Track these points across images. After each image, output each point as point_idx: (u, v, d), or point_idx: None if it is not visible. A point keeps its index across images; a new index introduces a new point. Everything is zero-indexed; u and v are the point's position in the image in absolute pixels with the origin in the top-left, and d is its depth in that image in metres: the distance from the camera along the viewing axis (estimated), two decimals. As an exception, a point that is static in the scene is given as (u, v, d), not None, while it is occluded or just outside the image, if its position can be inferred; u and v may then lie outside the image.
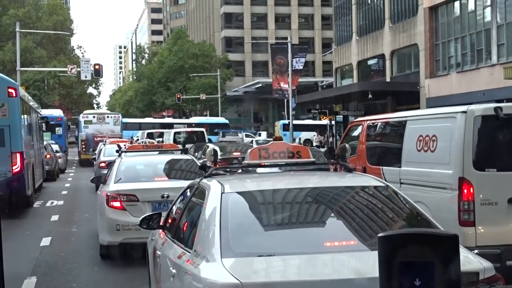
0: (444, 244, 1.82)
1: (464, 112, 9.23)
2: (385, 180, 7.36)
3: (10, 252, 11.56)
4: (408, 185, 10.38)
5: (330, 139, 50.69)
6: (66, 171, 40.05)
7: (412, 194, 8.62)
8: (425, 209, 7.73)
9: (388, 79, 48.12)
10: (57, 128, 46.14)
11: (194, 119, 69.47)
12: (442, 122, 9.87)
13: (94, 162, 29.12)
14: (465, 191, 8.97)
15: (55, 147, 37.64)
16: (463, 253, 4.55)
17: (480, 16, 37.39)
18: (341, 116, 50.14)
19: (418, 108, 36.75)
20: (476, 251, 7.43)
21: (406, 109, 26.94)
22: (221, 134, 55.85)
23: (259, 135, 61.81)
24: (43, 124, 31.34)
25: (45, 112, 41.76)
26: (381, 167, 11.77)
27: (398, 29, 46.40)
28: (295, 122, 63.61)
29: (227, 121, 69.40)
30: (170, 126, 58.76)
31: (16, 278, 10.31)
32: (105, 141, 31.98)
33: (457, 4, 39.16)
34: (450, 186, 9.24)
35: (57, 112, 50.83)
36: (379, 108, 45.30)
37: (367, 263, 4.44)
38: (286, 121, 63.84)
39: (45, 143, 32.78)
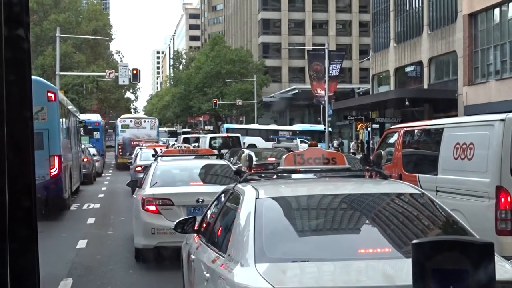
0: (479, 252, 1.80)
1: (502, 120, 9.12)
2: (421, 188, 7.30)
3: (47, 253, 11.71)
4: (445, 193, 10.28)
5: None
6: (103, 174, 40.45)
7: (448, 202, 8.54)
8: (461, 217, 7.65)
9: (425, 87, 47.70)
10: (94, 133, 47.56)
11: (297, 127, 69.59)
12: (479, 130, 9.76)
13: (131, 166, 29.36)
14: (503, 199, 8.86)
15: (93, 151, 38.14)
16: (499, 262, 4.49)
17: (520, 24, 36.91)
18: (378, 123, 49.86)
19: (456, 116, 36.38)
20: (513, 261, 7.33)
21: (443, 117, 26.65)
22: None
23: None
24: (81, 128, 31.71)
25: (83, 116, 42.94)
26: (417, 175, 11.68)
27: (436, 36, 45.99)
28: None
29: (329, 129, 69.06)
30: (275, 132, 60.52)
31: (53, 279, 10.43)
32: (142, 145, 32.24)
33: (497, 11, 38.69)
34: (487, 195, 9.13)
35: (95, 117, 51.81)
36: (416, 115, 44.93)
37: (402, 270, 4.41)
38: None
39: (82, 147, 33.16)
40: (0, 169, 1.56)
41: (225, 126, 69.47)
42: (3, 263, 1.57)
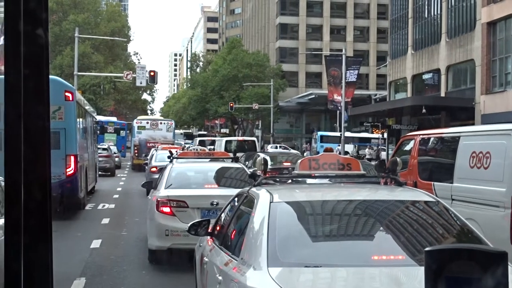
0: (492, 261, 1.79)
1: (520, 129, 9.07)
2: (436, 196, 7.27)
3: (61, 252, 11.76)
4: (460, 202, 10.23)
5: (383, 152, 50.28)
6: (119, 175, 40.65)
7: (463, 211, 8.50)
8: (476, 226, 7.61)
9: (442, 94, 47.50)
10: (121, 131, 61.44)
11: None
12: (496, 138, 9.71)
13: (146, 167, 29.43)
14: (518, 210, 8.80)
15: (114, 149, 45.36)
16: (514, 272, 4.46)
17: (539, 33, 36.67)
18: (394, 130, 49.69)
19: (473, 124, 36.18)
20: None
21: (460, 125, 26.53)
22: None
23: None
24: (98, 128, 31.95)
25: (112, 119, 61.84)
26: (432, 183, 11.63)
27: (454, 44, 45.80)
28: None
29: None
30: (367, 140, 61.00)
31: (66, 278, 10.48)
32: (157, 147, 32.34)
33: (516, 20, 38.49)
34: (503, 204, 9.08)
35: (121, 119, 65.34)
36: (432, 123, 44.72)
37: (415, 278, 4.39)
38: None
39: (106, 145, 40.84)
40: (16, 163, 1.57)
41: (319, 133, 70.02)
42: (17, 256, 1.59)
